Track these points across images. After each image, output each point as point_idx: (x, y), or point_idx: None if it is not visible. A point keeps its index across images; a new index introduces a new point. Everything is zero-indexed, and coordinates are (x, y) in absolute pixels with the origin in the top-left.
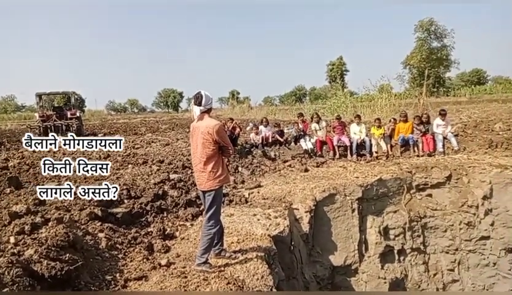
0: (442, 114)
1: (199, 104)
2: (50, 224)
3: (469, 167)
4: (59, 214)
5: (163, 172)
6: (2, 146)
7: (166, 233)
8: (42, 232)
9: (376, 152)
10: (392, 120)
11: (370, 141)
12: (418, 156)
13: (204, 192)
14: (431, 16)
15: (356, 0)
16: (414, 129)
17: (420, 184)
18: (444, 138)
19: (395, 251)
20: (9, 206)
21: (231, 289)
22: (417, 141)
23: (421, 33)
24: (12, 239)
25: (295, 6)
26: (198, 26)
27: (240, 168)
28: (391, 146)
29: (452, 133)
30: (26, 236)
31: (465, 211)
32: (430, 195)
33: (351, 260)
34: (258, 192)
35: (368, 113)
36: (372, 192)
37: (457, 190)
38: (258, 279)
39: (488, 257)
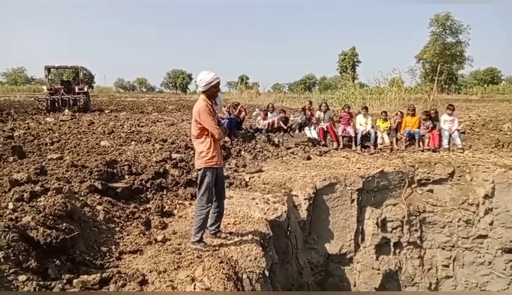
0: (450, 109)
1: (197, 85)
2: (49, 193)
3: (473, 165)
4: (59, 184)
5: (166, 151)
6: (10, 116)
7: (164, 210)
8: (40, 201)
9: (381, 144)
10: (399, 113)
11: (375, 133)
12: (422, 151)
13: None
14: (448, 11)
15: None
16: (421, 124)
17: (422, 178)
18: (450, 135)
19: (391, 244)
20: (11, 174)
21: (223, 268)
22: (423, 135)
23: (436, 27)
24: (11, 206)
25: None
26: (212, 10)
27: (242, 152)
28: (397, 139)
29: (458, 130)
30: (24, 203)
31: (465, 209)
32: (431, 191)
33: (346, 250)
34: (259, 177)
35: (376, 105)
36: (373, 183)
37: (459, 188)
38: (251, 260)
39: (484, 256)
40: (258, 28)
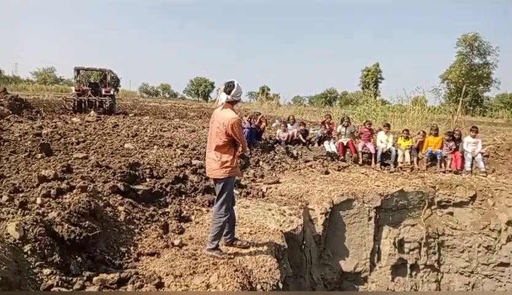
0: (474, 131)
1: (228, 93)
2: (74, 191)
3: (497, 190)
4: (84, 183)
5: (186, 156)
6: (38, 114)
7: (182, 215)
8: (66, 198)
9: (401, 163)
10: (422, 132)
11: (396, 151)
12: (444, 172)
13: (214, 180)
14: (476, 31)
15: (401, 9)
16: (444, 144)
17: (443, 200)
18: (473, 158)
19: (408, 265)
20: (39, 170)
21: (238, 276)
22: (445, 157)
23: (463, 48)
24: (38, 201)
25: (337, 8)
26: (236, 20)
27: (261, 162)
28: (418, 159)
29: (482, 153)
30: (51, 199)
31: (486, 234)
32: (451, 213)
33: (361, 268)
34: (276, 188)
35: (398, 123)
36: (392, 202)
37: (480, 212)
38: (265, 271)
39: (505, 285)
40: (281, 39)
